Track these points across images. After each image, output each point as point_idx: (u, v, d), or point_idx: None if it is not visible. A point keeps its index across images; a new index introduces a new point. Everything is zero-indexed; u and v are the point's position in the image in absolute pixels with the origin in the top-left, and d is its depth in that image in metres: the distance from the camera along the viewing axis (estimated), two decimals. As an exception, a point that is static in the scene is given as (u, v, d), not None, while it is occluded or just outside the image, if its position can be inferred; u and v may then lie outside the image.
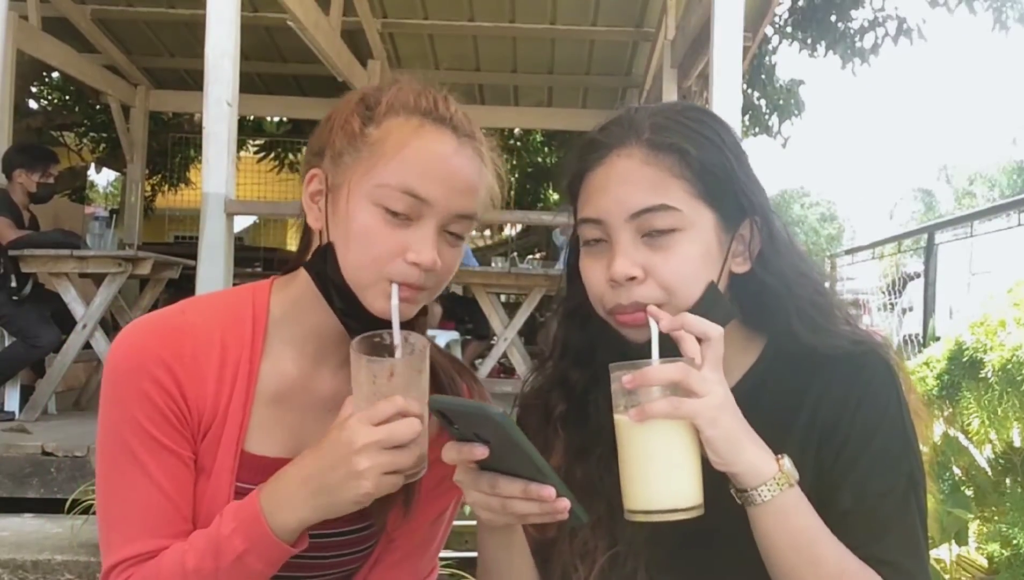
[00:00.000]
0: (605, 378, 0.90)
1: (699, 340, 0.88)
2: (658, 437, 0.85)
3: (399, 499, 1.02)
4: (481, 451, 0.83)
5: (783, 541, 0.89)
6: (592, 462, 1.01)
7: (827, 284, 1.06)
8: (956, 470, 2.74)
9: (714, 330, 0.88)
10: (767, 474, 0.87)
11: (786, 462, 0.89)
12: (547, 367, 1.11)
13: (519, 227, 11.14)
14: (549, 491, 0.83)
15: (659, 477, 0.86)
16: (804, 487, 0.91)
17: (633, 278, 0.93)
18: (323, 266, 0.99)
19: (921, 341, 4.60)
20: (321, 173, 1.00)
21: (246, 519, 0.92)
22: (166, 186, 10.61)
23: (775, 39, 8.56)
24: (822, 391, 0.99)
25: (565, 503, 0.84)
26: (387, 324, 0.94)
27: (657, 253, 0.93)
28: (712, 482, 0.88)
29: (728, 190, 0.96)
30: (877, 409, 0.97)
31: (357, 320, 0.97)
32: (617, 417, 0.88)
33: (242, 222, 12.64)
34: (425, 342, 0.92)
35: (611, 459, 0.91)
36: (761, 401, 0.98)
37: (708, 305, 0.93)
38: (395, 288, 0.94)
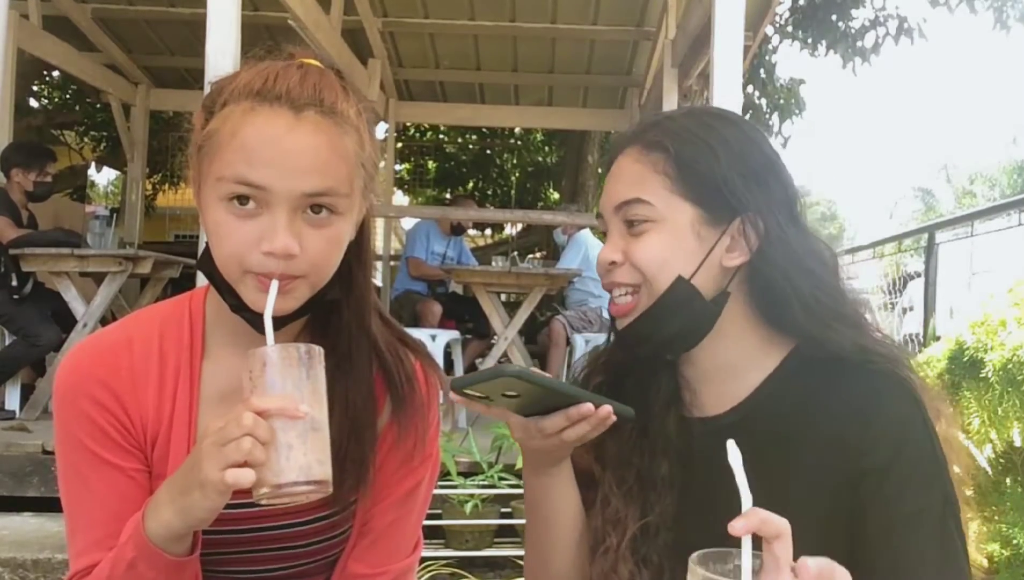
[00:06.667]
0: (642, 360, 0.96)
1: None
2: None
3: (357, 485, 1.03)
4: (605, 411, 0.90)
5: None
6: (624, 436, 1.05)
7: (846, 294, 1.04)
8: (956, 469, 2.74)
9: (784, 526, 0.75)
10: None
11: None
12: (599, 349, 1.17)
13: (519, 226, 11.13)
14: (587, 407, 0.89)
15: None
16: (820, 512, 0.91)
17: (614, 263, 1.02)
18: (208, 265, 0.99)
19: (921, 341, 4.60)
20: (191, 174, 1.00)
21: (135, 526, 0.92)
22: (167, 185, 10.60)
23: (776, 38, 8.54)
24: (838, 410, 0.97)
25: (607, 408, 0.90)
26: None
27: (632, 241, 1.01)
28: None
29: (713, 189, 1.00)
30: (898, 434, 0.95)
31: (251, 312, 0.96)
32: None
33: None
34: (319, 350, 0.87)
35: (641, 434, 0.97)
36: (778, 409, 0.99)
37: (677, 297, 0.99)
38: (274, 284, 0.91)
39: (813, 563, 0.72)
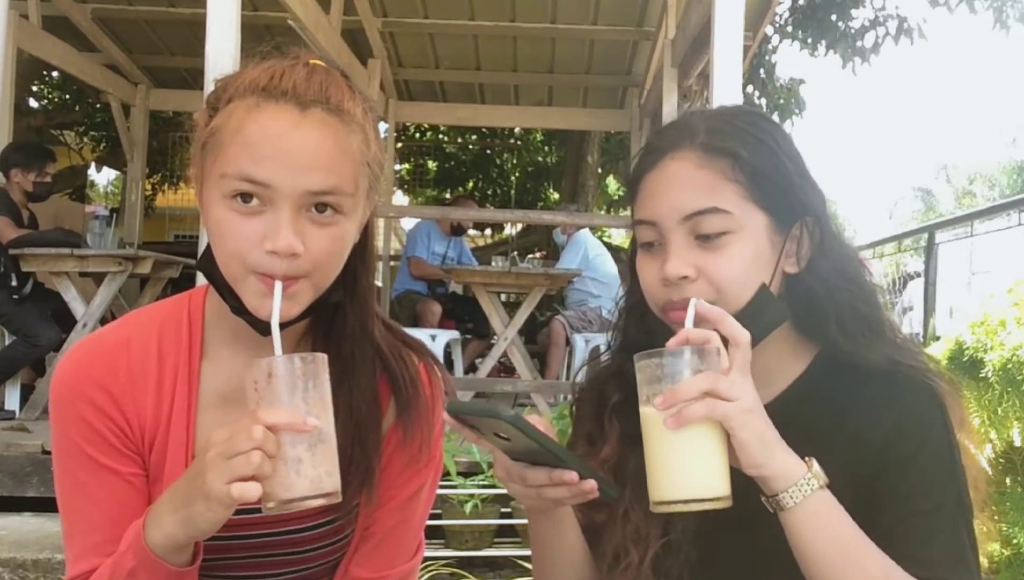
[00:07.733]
0: None
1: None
2: (685, 431, 0.85)
3: (361, 489, 1.03)
4: (571, 476, 0.86)
5: (819, 546, 0.88)
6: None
7: (880, 298, 1.05)
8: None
9: (743, 335, 0.87)
10: (796, 475, 0.87)
11: (815, 464, 0.88)
12: (605, 359, 1.14)
13: (519, 226, 11.13)
14: (571, 475, 0.86)
15: (684, 468, 0.86)
16: (845, 506, 0.91)
17: (686, 277, 0.95)
18: (209, 266, 0.98)
19: (921, 341, 4.60)
20: (194, 172, 0.98)
21: (135, 534, 0.92)
22: (166, 185, 10.59)
23: (775, 38, 8.55)
24: (863, 410, 0.98)
25: (591, 484, 0.87)
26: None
27: (709, 254, 0.95)
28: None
29: (781, 193, 0.97)
30: (919, 434, 0.96)
31: (252, 314, 0.95)
32: (643, 409, 0.88)
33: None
34: (323, 357, 0.87)
35: None
36: (806, 411, 0.99)
37: (760, 306, 0.95)
38: (278, 286, 0.90)
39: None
